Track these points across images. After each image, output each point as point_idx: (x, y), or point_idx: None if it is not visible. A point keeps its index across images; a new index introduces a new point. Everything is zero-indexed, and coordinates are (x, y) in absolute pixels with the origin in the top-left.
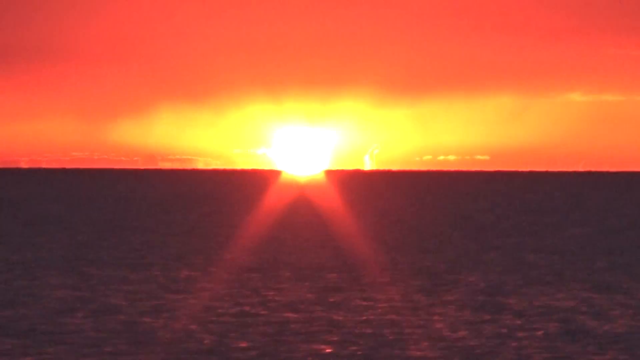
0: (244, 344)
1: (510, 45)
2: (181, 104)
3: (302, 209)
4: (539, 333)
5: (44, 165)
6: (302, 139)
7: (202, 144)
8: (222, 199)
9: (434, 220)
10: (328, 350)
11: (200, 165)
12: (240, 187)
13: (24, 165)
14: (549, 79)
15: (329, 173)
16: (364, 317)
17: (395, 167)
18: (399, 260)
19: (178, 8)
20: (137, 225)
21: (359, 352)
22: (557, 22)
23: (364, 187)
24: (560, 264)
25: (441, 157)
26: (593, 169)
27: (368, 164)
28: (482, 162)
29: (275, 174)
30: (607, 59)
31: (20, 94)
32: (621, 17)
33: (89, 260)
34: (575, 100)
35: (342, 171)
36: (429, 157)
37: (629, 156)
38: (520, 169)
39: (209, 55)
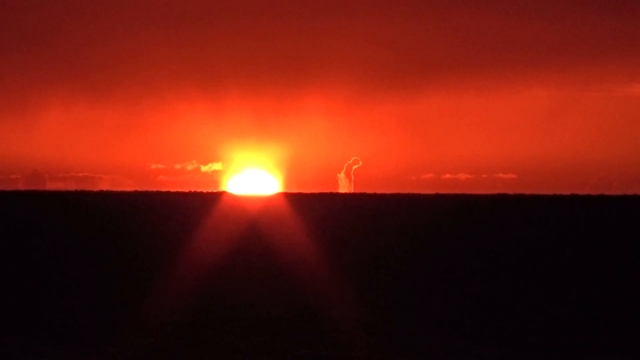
0: None
1: (546, 16)
2: (78, 102)
3: (250, 243)
4: None
5: None
6: (250, 148)
7: (107, 157)
8: (138, 229)
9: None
10: None
11: (105, 185)
12: (161, 213)
13: None
14: (604, 65)
15: (287, 196)
16: None
17: (382, 189)
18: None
19: None
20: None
21: None
22: None
23: (337, 216)
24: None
25: (447, 176)
26: None
27: (344, 184)
28: (505, 181)
29: (211, 196)
30: None
31: None
32: None
33: None
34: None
35: (306, 194)
36: (430, 175)
37: None
38: (557, 192)
39: (118, 33)
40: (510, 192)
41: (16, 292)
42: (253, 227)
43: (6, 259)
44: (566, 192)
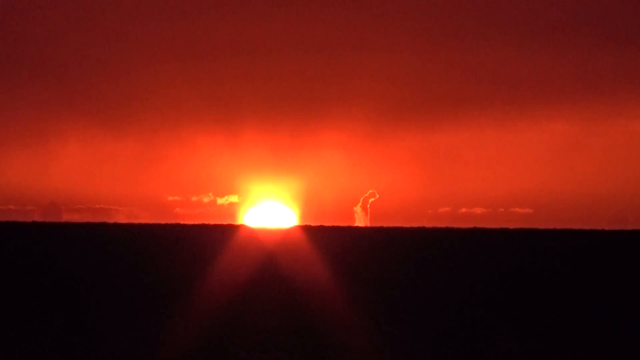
0: None
1: (562, 52)
2: (95, 134)
3: (267, 275)
4: None
5: None
6: (266, 181)
7: (124, 189)
8: (154, 262)
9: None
10: None
11: (122, 217)
12: (178, 245)
13: None
14: (620, 100)
15: (305, 229)
16: None
17: (398, 223)
18: None
19: (98, 4)
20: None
21: None
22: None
23: (353, 250)
24: None
25: (464, 210)
26: None
27: (361, 217)
28: (522, 216)
29: (229, 228)
30: None
31: None
32: None
33: None
34: None
35: (323, 227)
36: (447, 209)
37: None
38: (575, 227)
39: (137, 67)
40: (526, 226)
41: (28, 321)
42: (271, 261)
43: (21, 291)
44: (583, 226)
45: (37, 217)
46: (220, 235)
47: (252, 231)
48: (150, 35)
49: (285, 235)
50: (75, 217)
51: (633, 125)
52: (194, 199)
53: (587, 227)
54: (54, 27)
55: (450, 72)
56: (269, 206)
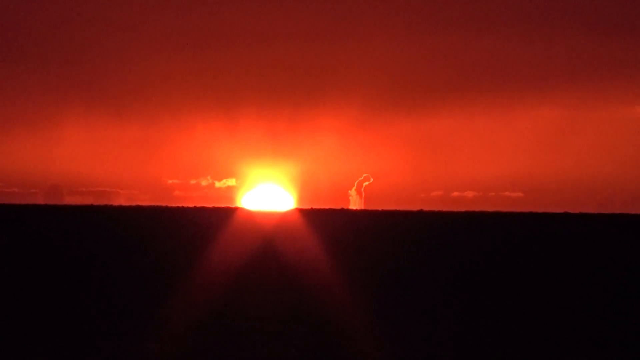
0: None
1: (552, 40)
2: (97, 119)
3: (265, 258)
4: None
5: None
6: (264, 165)
7: (125, 173)
8: (153, 244)
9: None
10: None
11: (122, 200)
12: (177, 227)
13: None
14: (608, 87)
15: (302, 212)
16: None
17: (392, 206)
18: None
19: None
20: (41, 277)
21: None
22: (619, 10)
23: (347, 232)
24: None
25: (456, 194)
26: None
27: (355, 201)
28: (512, 200)
29: (227, 211)
30: None
31: None
32: None
33: None
34: None
35: (319, 210)
36: (439, 192)
37: None
38: (565, 210)
39: (137, 54)
40: (517, 209)
41: (31, 303)
42: (268, 243)
43: (23, 272)
44: (572, 210)
45: (40, 200)
46: (218, 218)
47: (249, 214)
48: (151, 24)
49: (282, 218)
50: (77, 200)
51: (622, 110)
52: (193, 182)
53: (576, 210)
54: (58, 16)
55: (442, 60)
56: (266, 189)
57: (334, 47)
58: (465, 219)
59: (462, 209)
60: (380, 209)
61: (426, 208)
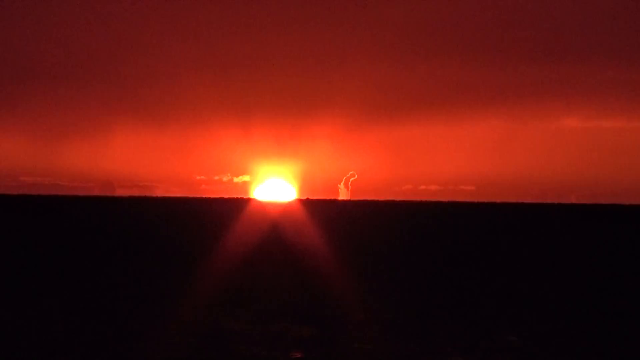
0: None
1: (499, 66)
2: (140, 126)
3: (272, 238)
4: None
5: None
6: (272, 164)
7: (162, 170)
8: (184, 226)
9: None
10: None
11: (159, 192)
12: (201, 215)
13: None
14: (542, 103)
15: (302, 202)
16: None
17: (372, 197)
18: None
19: (142, 25)
20: (97, 255)
21: None
22: (552, 42)
23: (338, 217)
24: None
25: (422, 187)
26: (587, 202)
27: (343, 193)
28: (466, 192)
29: (243, 201)
30: (607, 82)
31: None
32: (621, 38)
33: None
34: (572, 126)
35: (316, 200)
36: (409, 186)
37: (627, 188)
38: (508, 200)
39: (171, 75)
40: (469, 199)
41: (78, 284)
42: (275, 227)
43: (82, 250)
44: (513, 200)
45: (96, 192)
46: (235, 207)
47: (260, 203)
48: (183, 49)
49: (286, 206)
50: (126, 192)
51: (553, 122)
52: (216, 178)
53: (515, 200)
54: (109, 47)
55: (412, 82)
56: (273, 184)
57: (327, 73)
58: (430, 207)
59: (427, 199)
60: (363, 199)
61: (398, 198)
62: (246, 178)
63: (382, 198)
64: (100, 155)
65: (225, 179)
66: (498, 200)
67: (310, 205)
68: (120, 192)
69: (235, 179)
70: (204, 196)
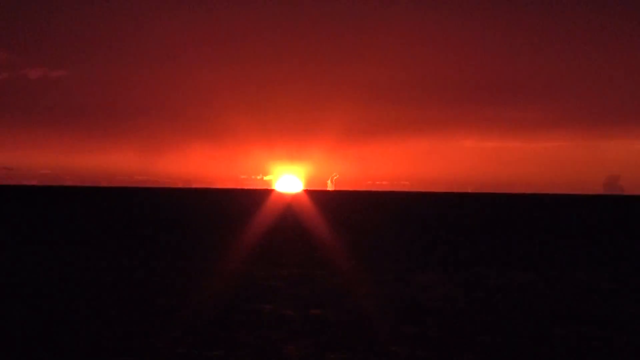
0: None
1: (419, 101)
2: (205, 142)
3: (290, 215)
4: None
5: (117, 185)
6: (286, 165)
7: (218, 171)
8: (229, 209)
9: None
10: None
11: (218, 185)
12: (244, 200)
13: (104, 184)
14: (448, 130)
15: (306, 192)
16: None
17: (349, 189)
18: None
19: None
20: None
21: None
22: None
23: (329, 202)
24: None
25: (378, 182)
26: (481, 191)
27: (330, 187)
28: (405, 185)
29: (270, 192)
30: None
31: (95, 131)
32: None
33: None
34: (469, 145)
35: (314, 191)
36: (369, 182)
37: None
38: (431, 190)
39: (223, 107)
40: (406, 189)
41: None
42: (288, 209)
43: (145, 233)
44: (436, 190)
45: (179, 185)
46: (263, 196)
47: (279, 193)
48: (225, 75)
49: (295, 195)
50: (199, 185)
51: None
52: (253, 177)
53: (439, 190)
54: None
55: (388, 99)
56: (287, 179)
57: (317, 97)
58: (382, 196)
59: (382, 189)
60: (344, 189)
61: (371, 189)
62: (270, 177)
63: (355, 189)
64: (182, 162)
65: (258, 177)
66: (426, 190)
67: (311, 194)
68: (195, 185)
69: (265, 177)
70: (245, 188)
